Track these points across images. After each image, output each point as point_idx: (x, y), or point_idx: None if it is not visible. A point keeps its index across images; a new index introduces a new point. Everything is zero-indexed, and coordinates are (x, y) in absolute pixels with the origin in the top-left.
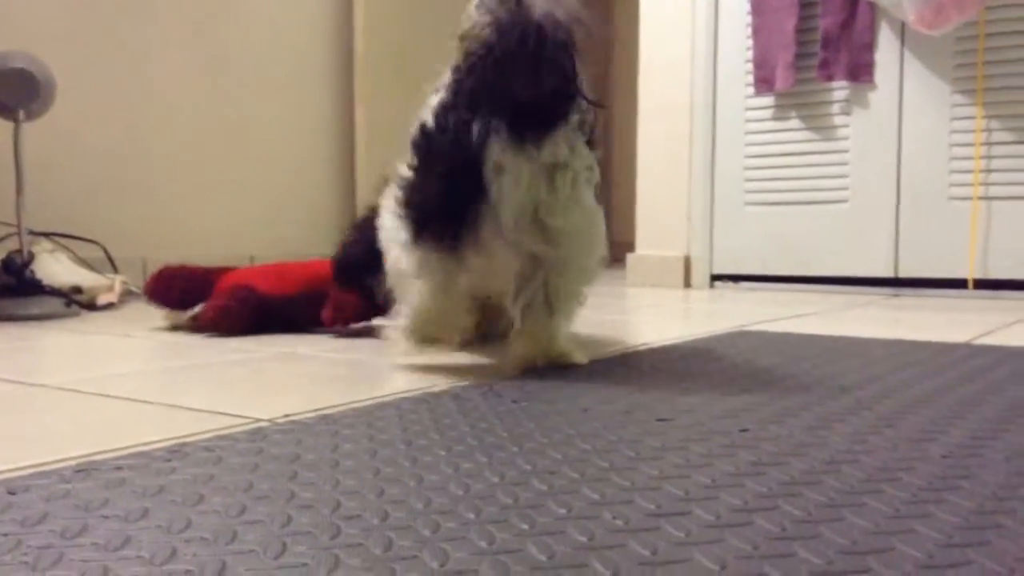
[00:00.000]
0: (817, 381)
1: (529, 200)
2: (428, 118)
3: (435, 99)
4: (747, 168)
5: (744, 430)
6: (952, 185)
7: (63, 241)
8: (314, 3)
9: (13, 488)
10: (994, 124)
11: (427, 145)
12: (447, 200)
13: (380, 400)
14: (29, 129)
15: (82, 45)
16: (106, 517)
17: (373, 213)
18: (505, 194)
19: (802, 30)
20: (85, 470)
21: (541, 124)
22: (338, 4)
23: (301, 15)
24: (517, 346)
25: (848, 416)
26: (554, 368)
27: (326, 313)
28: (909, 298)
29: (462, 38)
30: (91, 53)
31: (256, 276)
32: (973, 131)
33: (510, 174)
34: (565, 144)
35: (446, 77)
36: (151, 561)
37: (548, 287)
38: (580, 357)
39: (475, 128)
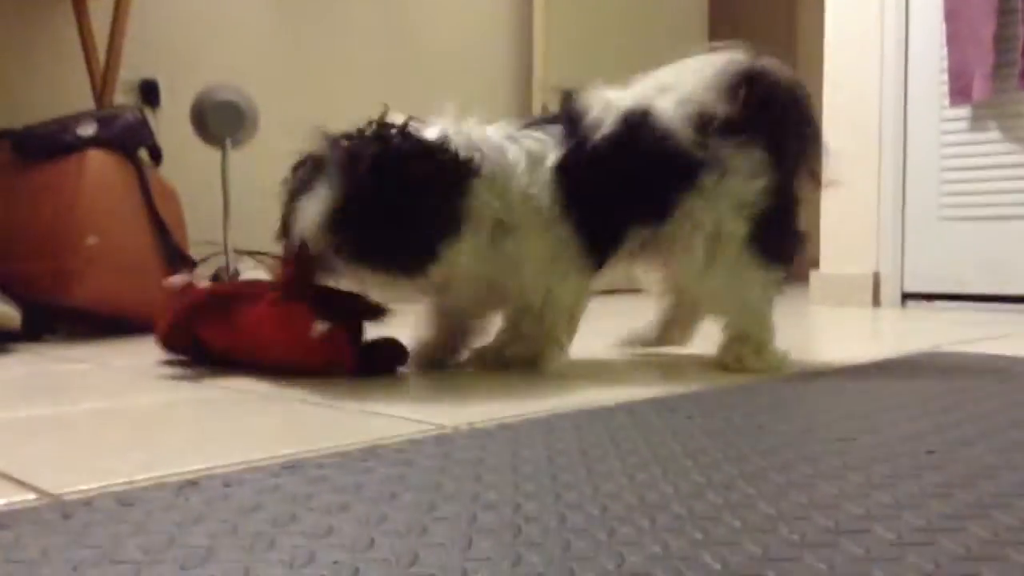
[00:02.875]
0: (1012, 405)
1: None
2: None
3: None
4: (943, 181)
5: (931, 452)
6: None
7: (264, 259)
8: (495, 31)
9: (229, 481)
10: None
11: None
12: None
13: (557, 412)
14: (234, 153)
15: (280, 74)
16: (311, 509)
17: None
18: None
19: (1001, 38)
20: (292, 467)
21: None
22: (517, 45)
23: (482, 44)
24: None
25: None
26: (730, 386)
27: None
28: None
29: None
30: (289, 81)
31: None
32: None
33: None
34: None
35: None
36: (352, 549)
37: None
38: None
39: None
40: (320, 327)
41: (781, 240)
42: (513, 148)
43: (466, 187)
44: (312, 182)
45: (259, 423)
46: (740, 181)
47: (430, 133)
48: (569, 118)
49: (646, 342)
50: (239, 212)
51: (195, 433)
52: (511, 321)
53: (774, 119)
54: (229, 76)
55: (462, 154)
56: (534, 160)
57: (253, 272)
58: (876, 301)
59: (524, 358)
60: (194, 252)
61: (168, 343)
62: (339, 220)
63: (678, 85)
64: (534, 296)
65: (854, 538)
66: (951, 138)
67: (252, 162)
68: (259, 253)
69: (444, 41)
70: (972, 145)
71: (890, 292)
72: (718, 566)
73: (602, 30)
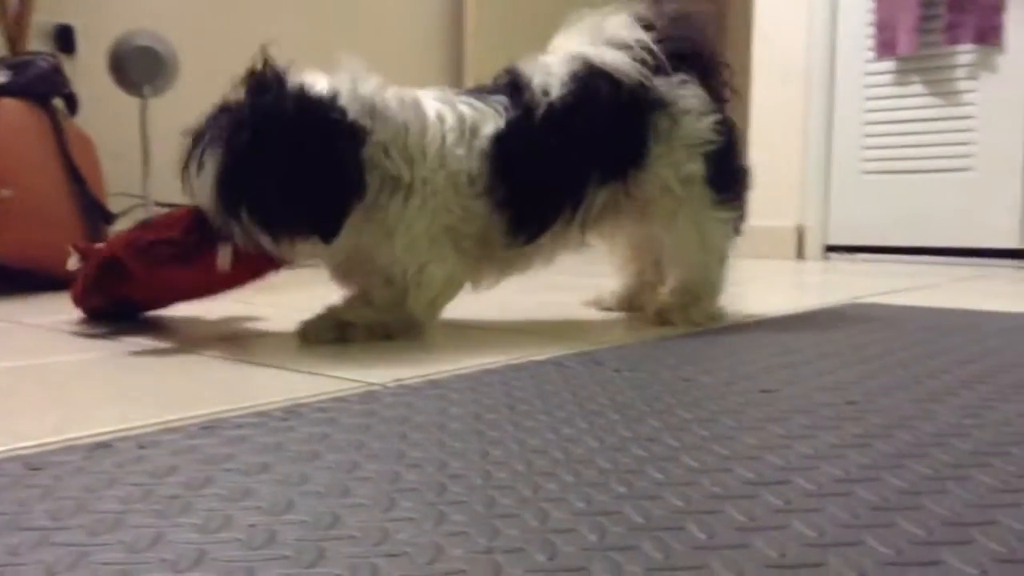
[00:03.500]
0: (930, 355)
1: None
2: None
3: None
4: (866, 135)
5: (851, 403)
6: None
7: None
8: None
9: (143, 443)
10: None
11: None
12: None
13: (485, 367)
14: (155, 103)
15: (202, 21)
16: (229, 470)
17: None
18: None
19: None
20: (209, 427)
21: None
22: None
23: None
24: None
25: (961, 390)
26: (656, 339)
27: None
28: None
29: None
30: (211, 29)
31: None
32: None
33: None
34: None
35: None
36: (270, 511)
37: None
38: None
39: None
40: (223, 257)
41: (734, 175)
42: (442, 110)
43: (357, 151)
44: (201, 149)
45: (177, 382)
46: (693, 120)
47: (319, 89)
48: (513, 87)
49: (610, 307)
50: (160, 163)
51: (110, 393)
52: (363, 288)
53: (698, 51)
54: (148, 22)
55: (351, 115)
56: (467, 128)
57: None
58: (800, 254)
59: (368, 328)
60: (113, 205)
61: (85, 305)
62: (225, 187)
63: (606, 34)
64: (399, 269)
65: (774, 490)
66: (875, 92)
67: (173, 111)
68: (181, 206)
69: None
70: (895, 99)
71: (813, 245)
72: (640, 519)
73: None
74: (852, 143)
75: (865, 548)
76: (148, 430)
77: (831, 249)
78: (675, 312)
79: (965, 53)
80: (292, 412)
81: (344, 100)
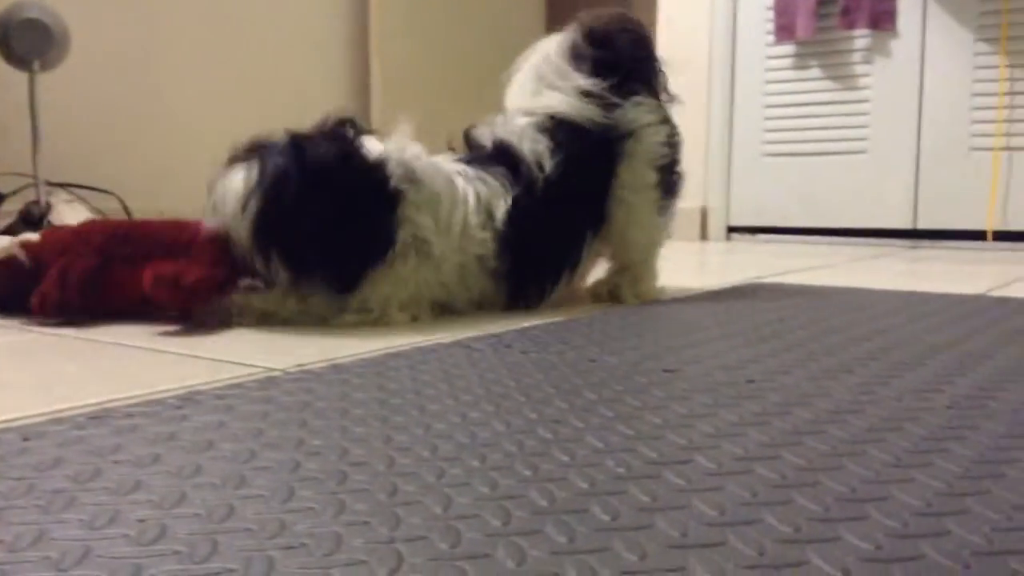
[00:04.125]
0: (827, 332)
1: None
2: None
3: None
4: (767, 118)
5: (751, 381)
6: (973, 136)
7: (80, 192)
8: None
9: (28, 434)
10: (1017, 74)
11: None
12: None
13: (391, 351)
14: (45, 80)
15: None
16: (118, 462)
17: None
18: None
19: None
20: (99, 417)
21: None
22: None
23: None
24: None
25: (856, 367)
26: (564, 320)
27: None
28: (927, 250)
29: None
30: (103, 2)
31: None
32: (996, 80)
33: None
34: None
35: None
36: (160, 505)
37: None
38: None
39: None
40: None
41: (677, 181)
42: (465, 187)
43: (394, 216)
44: (244, 177)
45: (67, 369)
46: (651, 135)
47: (372, 150)
48: (507, 156)
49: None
50: (51, 142)
51: None
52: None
53: (644, 66)
54: None
55: (394, 181)
56: (483, 208)
57: (69, 207)
58: (704, 235)
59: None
60: (2, 185)
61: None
62: (267, 222)
63: (557, 81)
64: (375, 303)
65: (676, 469)
66: (775, 75)
67: (65, 87)
68: (73, 185)
69: None
70: (795, 83)
71: (716, 226)
72: (545, 503)
73: (438, 7)
74: (753, 126)
75: (764, 526)
76: (33, 420)
77: (733, 230)
78: (624, 289)
79: (861, 38)
80: (187, 400)
81: (392, 166)
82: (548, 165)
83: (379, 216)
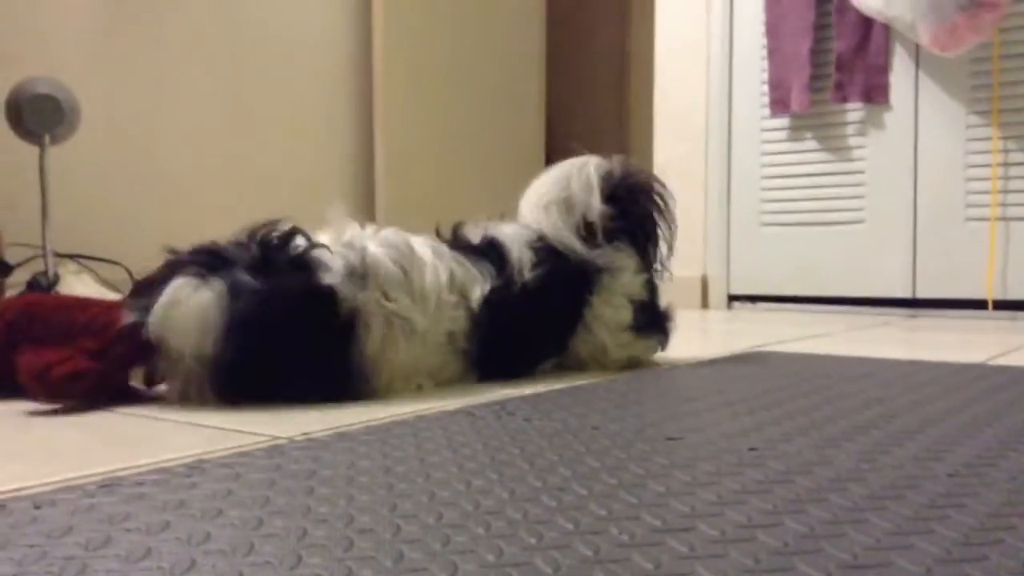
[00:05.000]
0: (828, 401)
1: None
2: None
3: None
4: (764, 189)
5: (753, 449)
6: (969, 206)
7: (87, 263)
8: (333, 30)
9: (39, 502)
10: (1011, 145)
11: None
12: None
13: (395, 419)
14: (54, 152)
15: (103, 71)
16: (128, 530)
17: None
18: None
19: (817, 52)
20: (108, 485)
21: None
22: (357, 33)
23: (319, 41)
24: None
25: (857, 435)
26: (566, 387)
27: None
28: (927, 319)
29: None
30: (112, 79)
31: None
32: (990, 151)
33: None
34: None
35: None
36: (171, 572)
37: None
38: None
39: None
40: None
41: (653, 320)
42: (436, 262)
43: (356, 336)
44: (208, 300)
45: (75, 438)
46: (629, 276)
47: (327, 260)
48: (495, 253)
49: None
50: (60, 213)
51: (3, 451)
52: None
53: (641, 222)
54: (48, 69)
55: (351, 300)
56: (460, 288)
57: (76, 278)
58: (704, 303)
59: None
60: (11, 256)
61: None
62: (239, 367)
63: (575, 203)
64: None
65: (679, 536)
66: (771, 147)
67: (73, 160)
68: (81, 256)
69: (279, 36)
70: (789, 154)
71: (717, 294)
72: (549, 570)
73: (442, 22)
74: (750, 196)
75: None
76: (44, 489)
77: (734, 298)
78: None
79: (855, 111)
80: (195, 468)
81: (342, 289)
82: (529, 275)
83: (340, 348)
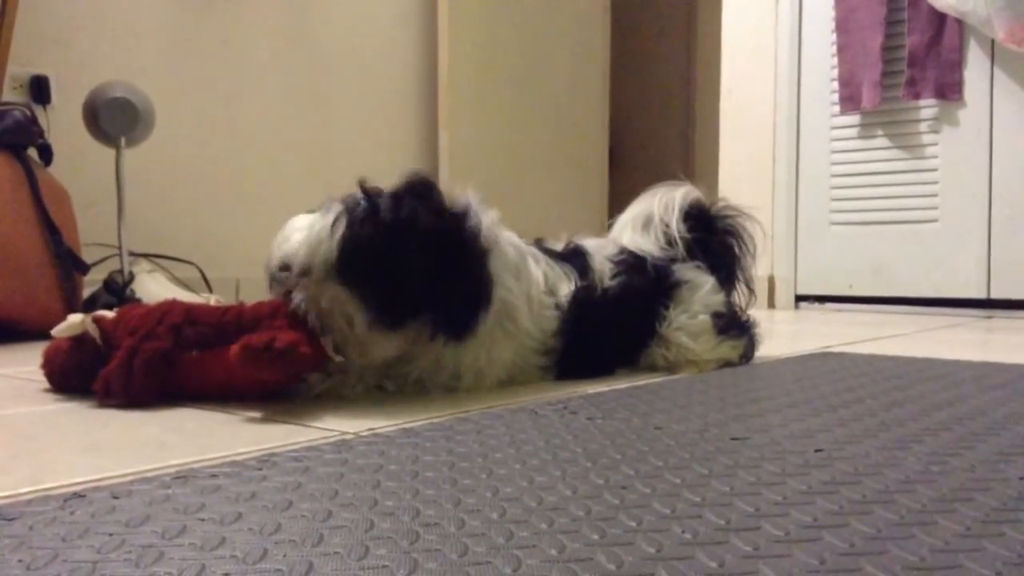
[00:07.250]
0: (898, 402)
1: None
2: None
3: None
4: (833, 187)
5: (819, 450)
6: None
7: (161, 262)
8: (399, 33)
9: (118, 493)
10: None
11: None
12: None
13: (459, 415)
14: (130, 154)
15: (178, 75)
16: (202, 520)
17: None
18: None
19: (888, 47)
20: (183, 477)
21: None
22: (422, 35)
23: (386, 43)
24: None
25: (927, 437)
26: (629, 388)
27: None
28: (1002, 320)
29: None
30: (187, 83)
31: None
32: None
33: None
34: None
35: None
36: (244, 560)
37: None
38: None
39: None
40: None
41: (735, 324)
42: (534, 261)
43: (487, 269)
44: (321, 215)
45: (150, 432)
46: (707, 293)
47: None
48: (580, 260)
49: None
50: (134, 214)
51: (83, 444)
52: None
53: (721, 255)
54: (124, 73)
55: (484, 234)
56: (550, 285)
57: (150, 276)
58: (771, 303)
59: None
60: (87, 255)
61: (61, 385)
62: (358, 248)
63: (655, 220)
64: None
65: (744, 536)
66: (840, 144)
67: (148, 162)
68: (155, 256)
69: (347, 38)
70: (859, 152)
71: (784, 295)
72: (612, 566)
73: (507, 24)
74: (819, 195)
75: None
76: (121, 480)
77: (801, 299)
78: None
79: (927, 107)
80: (265, 461)
81: (479, 219)
82: (610, 282)
83: (476, 263)
